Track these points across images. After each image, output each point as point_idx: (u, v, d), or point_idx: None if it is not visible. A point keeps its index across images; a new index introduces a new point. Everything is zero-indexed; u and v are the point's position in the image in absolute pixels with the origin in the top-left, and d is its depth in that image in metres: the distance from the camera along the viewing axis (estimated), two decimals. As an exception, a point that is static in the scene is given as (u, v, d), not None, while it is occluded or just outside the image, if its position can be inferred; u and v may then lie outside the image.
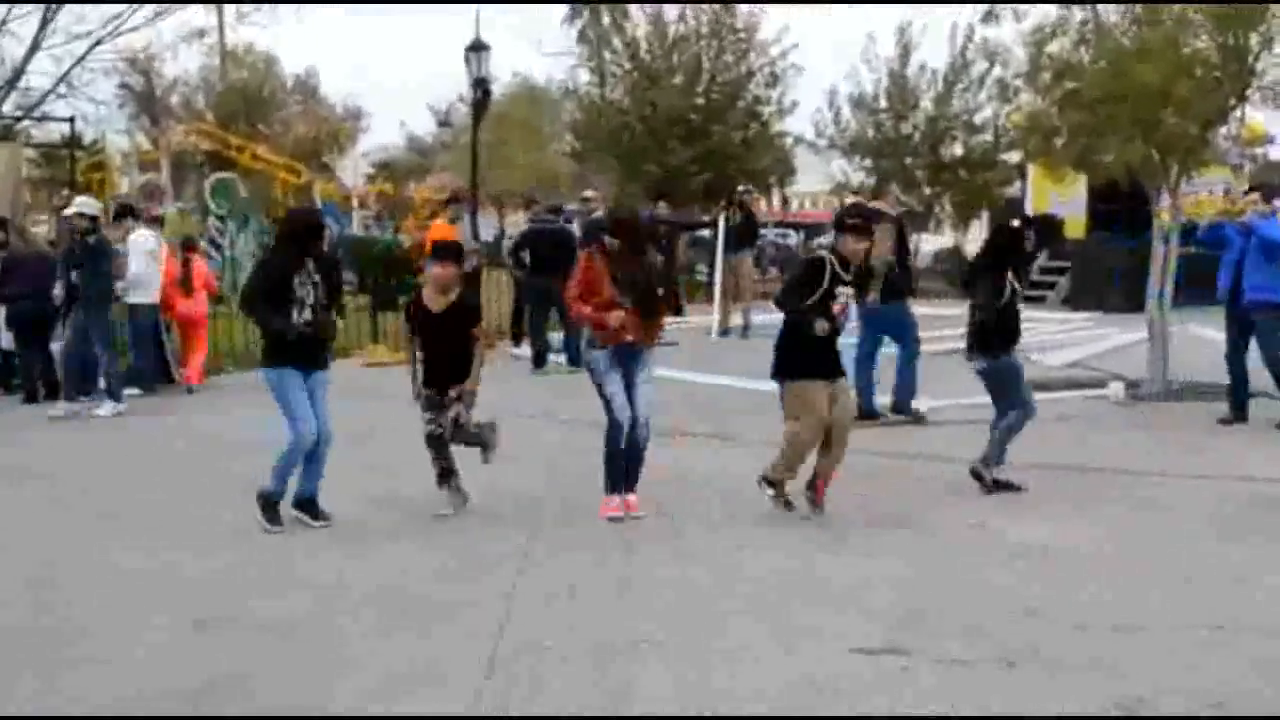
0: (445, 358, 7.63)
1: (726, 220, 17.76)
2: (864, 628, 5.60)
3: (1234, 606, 5.94)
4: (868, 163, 26.80)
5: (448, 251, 7.89)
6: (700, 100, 23.91)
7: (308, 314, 7.36)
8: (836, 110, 26.81)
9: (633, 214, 9.45)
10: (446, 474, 7.69)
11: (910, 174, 26.22)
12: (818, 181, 30.56)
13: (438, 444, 7.65)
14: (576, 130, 27.32)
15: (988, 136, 25.77)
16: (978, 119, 25.95)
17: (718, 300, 17.74)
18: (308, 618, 5.80)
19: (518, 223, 16.57)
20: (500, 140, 38.26)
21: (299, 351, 7.38)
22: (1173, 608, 5.91)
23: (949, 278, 25.51)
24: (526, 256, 14.80)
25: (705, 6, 24.20)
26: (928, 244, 28.19)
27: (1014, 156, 24.16)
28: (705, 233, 21.46)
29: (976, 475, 8.17)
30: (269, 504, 7.41)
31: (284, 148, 33.17)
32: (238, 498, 7.82)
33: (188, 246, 14.17)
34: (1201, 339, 15.23)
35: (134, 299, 12.59)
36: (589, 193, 18.08)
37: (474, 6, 22.83)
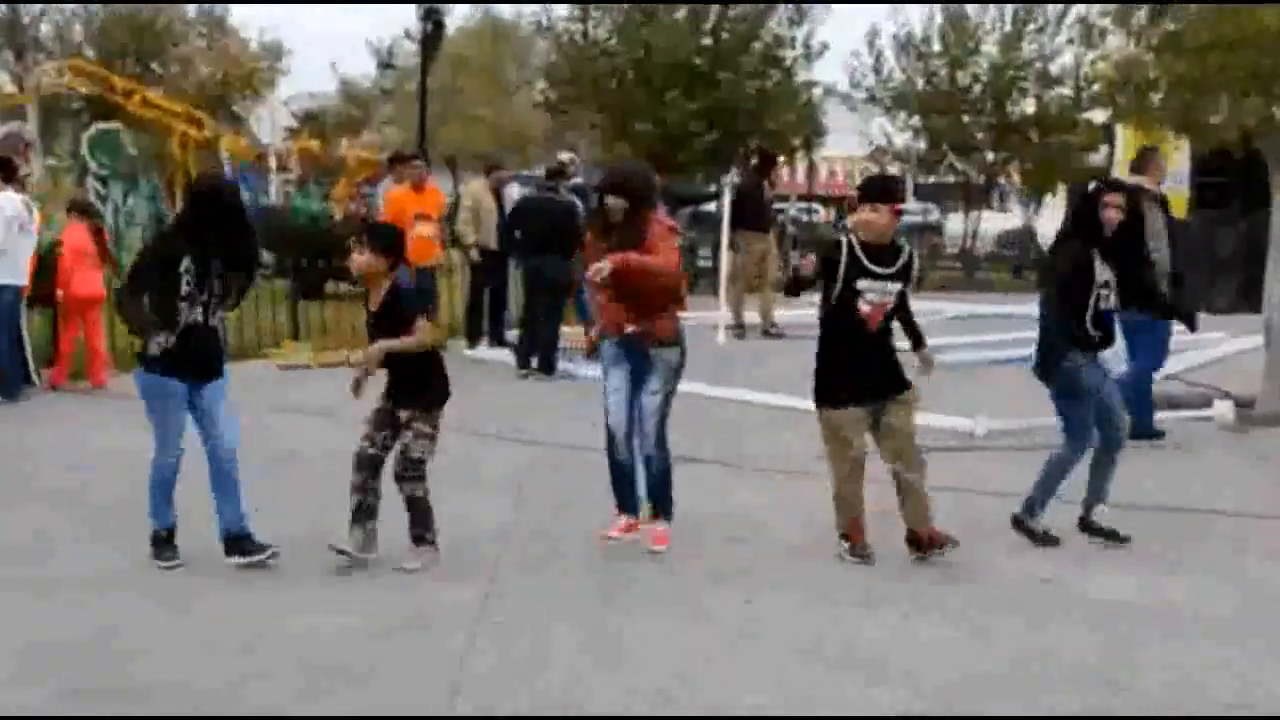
0: (394, 367, 7.44)
1: (740, 180, 17.82)
2: (903, 704, 5.62)
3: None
4: (916, 121, 26.82)
5: (369, 236, 7.53)
6: (707, 41, 23.96)
7: (198, 314, 7.31)
8: (877, 55, 26.93)
9: (642, 168, 9.16)
10: (363, 511, 7.45)
11: (969, 135, 26.25)
12: (853, 144, 30.57)
13: (365, 467, 7.44)
14: (551, 76, 27.34)
15: (1067, 90, 25.86)
16: (1054, 68, 26.05)
17: (724, 290, 17.76)
18: (214, 687, 5.79)
19: (475, 193, 16.45)
20: (456, 88, 38.37)
21: (183, 358, 7.32)
22: (1277, 679, 5.94)
23: (1014, 264, 25.62)
24: (518, 235, 14.78)
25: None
26: (989, 223, 28.20)
27: (1099, 115, 24.22)
28: (711, 206, 21.52)
29: (1017, 524, 8.11)
30: (157, 538, 7.50)
31: (184, 93, 33.17)
32: (116, 526, 7.85)
33: (83, 210, 14.18)
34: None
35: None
36: (564, 155, 18.11)
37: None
